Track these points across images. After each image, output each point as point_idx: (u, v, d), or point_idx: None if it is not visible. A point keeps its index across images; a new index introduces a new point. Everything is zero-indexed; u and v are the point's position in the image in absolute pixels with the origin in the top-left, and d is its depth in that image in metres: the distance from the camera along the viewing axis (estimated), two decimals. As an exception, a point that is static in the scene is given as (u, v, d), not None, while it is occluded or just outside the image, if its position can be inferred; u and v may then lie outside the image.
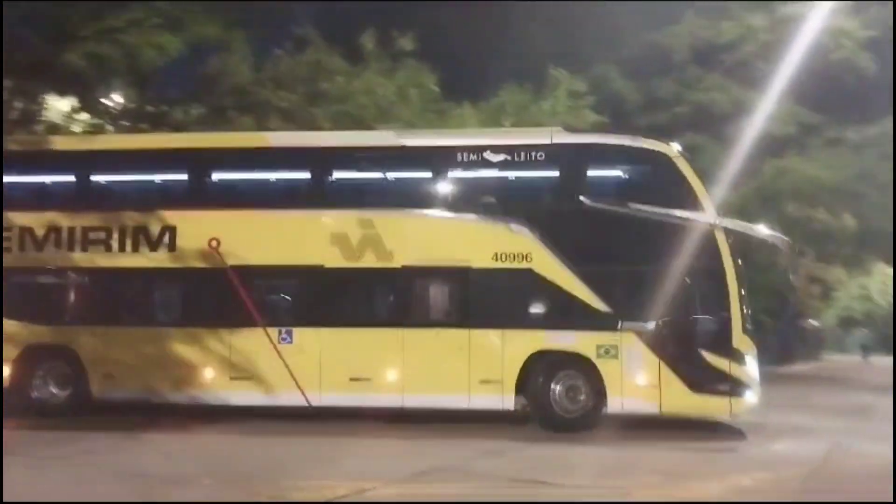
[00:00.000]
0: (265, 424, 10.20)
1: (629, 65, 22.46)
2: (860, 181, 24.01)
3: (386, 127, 15.87)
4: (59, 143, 12.48)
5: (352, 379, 10.43)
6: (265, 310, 10.92)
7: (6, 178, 11.28)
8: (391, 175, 11.74)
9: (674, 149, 11.12)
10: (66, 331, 11.12)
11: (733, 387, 10.08)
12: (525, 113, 17.64)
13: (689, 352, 10.30)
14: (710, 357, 10.19)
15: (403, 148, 11.33)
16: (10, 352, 10.89)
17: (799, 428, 11.39)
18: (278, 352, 10.60)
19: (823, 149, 23.72)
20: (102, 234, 11.16)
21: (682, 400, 10.13)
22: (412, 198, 11.17)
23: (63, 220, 11.22)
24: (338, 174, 11.58)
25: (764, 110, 22.38)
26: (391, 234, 10.73)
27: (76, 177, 11.78)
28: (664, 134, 22.69)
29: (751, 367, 10.21)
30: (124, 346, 10.89)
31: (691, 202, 10.50)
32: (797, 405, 13.90)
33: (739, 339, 10.19)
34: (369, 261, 10.68)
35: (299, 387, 10.52)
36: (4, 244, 11.13)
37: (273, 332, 10.66)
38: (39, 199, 11.95)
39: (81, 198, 11.53)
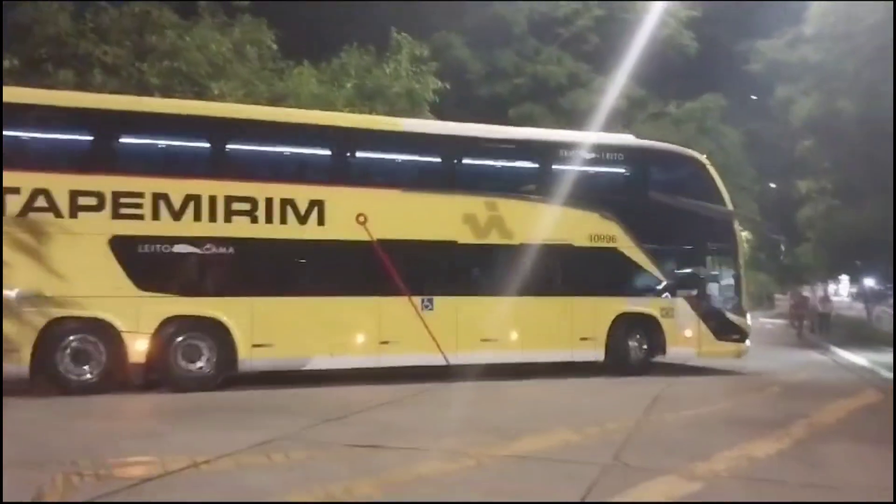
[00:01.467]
0: (95, 403, 9.51)
1: (472, 34, 22.71)
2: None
3: (224, 84, 15.20)
4: (198, 108, 12.32)
5: (482, 340, 11.97)
6: (409, 280, 11.76)
7: (137, 139, 11.13)
8: (512, 164, 13.42)
9: (703, 157, 14.41)
10: (214, 302, 10.85)
11: (742, 336, 13.79)
12: (368, 76, 17.39)
13: (716, 312, 13.72)
14: (729, 315, 13.77)
15: (521, 142, 13.44)
16: (144, 325, 10.32)
17: (626, 383, 12.18)
18: (421, 318, 11.70)
19: (647, 122, 25.25)
20: (248, 205, 10.99)
21: (711, 347, 13.50)
22: (527, 186, 13.00)
23: (203, 188, 10.75)
24: (468, 161, 12.88)
25: (596, 83, 23.51)
26: (512, 216, 12.33)
27: (218, 144, 11.34)
28: (505, 104, 23.55)
29: (749, 322, 14.10)
30: (277, 316, 11.02)
31: (717, 197, 13.80)
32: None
33: (745, 302, 14.11)
34: (494, 238, 12.25)
35: (440, 348, 11.72)
36: (133, 210, 10.43)
37: (417, 300, 11.71)
38: (175, 164, 11.38)
39: (222, 166, 11.19)
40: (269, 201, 11.08)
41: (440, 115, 18.99)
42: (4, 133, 9.76)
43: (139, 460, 6.27)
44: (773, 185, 37.76)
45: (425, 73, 17.53)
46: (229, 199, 10.88)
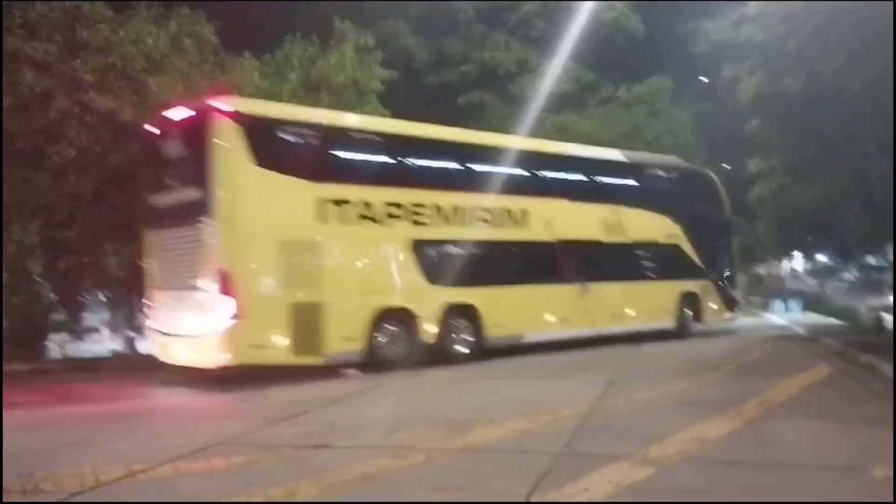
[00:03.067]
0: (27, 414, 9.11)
1: (417, 22, 22.43)
2: (632, 137, 25.90)
3: (162, 79, 14.66)
4: (474, 138, 15.79)
5: (613, 315, 15.87)
6: (575, 270, 15.27)
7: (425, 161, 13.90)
8: (625, 181, 17.48)
9: (713, 175, 20.44)
10: (470, 291, 13.54)
11: (737, 305, 20.25)
12: (312, 67, 16.99)
13: (725, 289, 19.21)
14: (731, 291, 19.59)
15: (627, 164, 17.82)
16: (433, 311, 12.98)
17: (580, 369, 12.12)
18: (582, 299, 15.23)
19: (598, 106, 25.29)
20: (489, 214, 14.15)
21: (723, 315, 19.18)
22: (632, 197, 17.12)
23: (463, 200, 13.85)
24: (604, 179, 17.01)
25: (544, 68, 23.42)
26: (625, 220, 16.54)
27: (482, 166, 14.53)
28: (454, 92, 23.38)
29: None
30: (505, 301, 13.98)
31: (723, 204, 19.71)
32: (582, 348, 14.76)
33: (736, 281, 21.02)
34: (618, 237, 16.34)
35: (593, 323, 15.28)
36: (422, 218, 13.21)
37: (579, 286, 15.27)
38: (449, 180, 14.18)
39: (478, 183, 14.09)
40: (504, 211, 14.44)
41: (389, 105, 18.74)
42: (340, 153, 12.77)
43: (70, 472, 5.93)
44: (725, 166, 38.21)
45: (371, 62, 17.20)
46: (477, 209, 13.98)
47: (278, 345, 11.03)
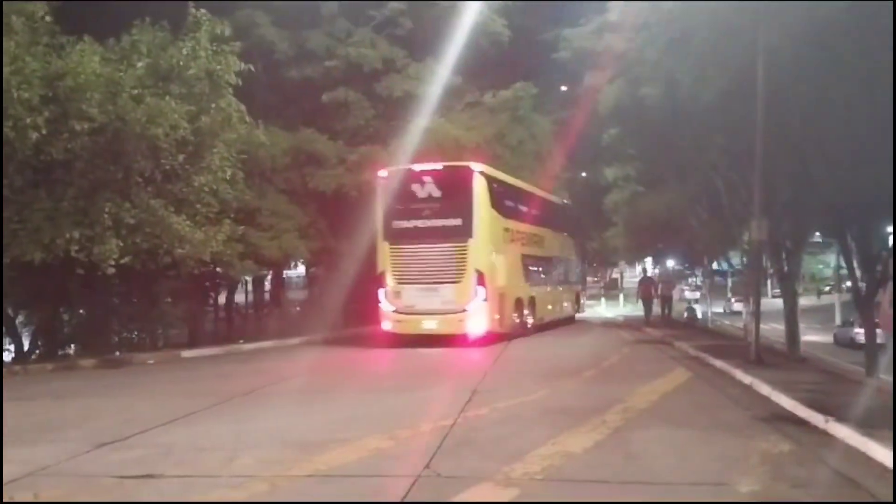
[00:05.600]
0: None
1: (278, 12, 21.37)
2: (496, 142, 25.96)
3: None
4: None
5: (561, 306, 24.18)
6: (551, 276, 23.06)
7: None
8: (555, 213, 24.32)
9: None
10: (532, 289, 20.41)
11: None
12: (162, 55, 15.68)
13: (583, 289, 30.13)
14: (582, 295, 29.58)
15: (553, 200, 24.51)
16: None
17: (445, 377, 11.70)
18: (557, 295, 23.69)
19: (465, 111, 25.15)
20: (535, 238, 21.29)
21: (582, 307, 29.31)
22: (555, 224, 24.07)
23: (530, 229, 20.73)
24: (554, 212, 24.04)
25: (411, 69, 23.00)
26: (556, 241, 23.75)
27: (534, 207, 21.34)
28: (317, 88, 22.50)
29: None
30: (540, 295, 21.43)
31: (582, 228, 29.75)
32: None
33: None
34: (556, 252, 23.74)
35: (557, 313, 23.70)
36: (524, 241, 19.44)
37: (556, 286, 23.81)
38: (529, 217, 20.81)
39: (533, 217, 21.01)
40: (539, 236, 21.55)
41: (248, 98, 17.68)
42: (514, 202, 19.38)
43: None
44: (583, 174, 39.39)
45: (227, 52, 16.09)
46: (534, 235, 21.05)
47: (499, 320, 17.21)
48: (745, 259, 24.73)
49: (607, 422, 7.75)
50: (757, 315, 13.76)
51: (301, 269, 34.52)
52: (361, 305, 23.96)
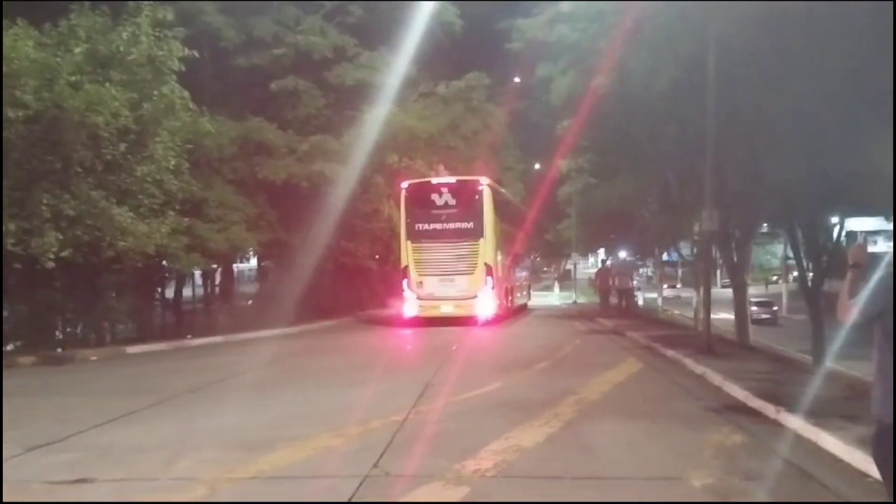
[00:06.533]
0: None
1: (224, -2, 20.79)
2: (450, 133, 25.80)
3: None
4: None
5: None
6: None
7: None
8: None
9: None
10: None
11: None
12: (101, 40, 15.09)
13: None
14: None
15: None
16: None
17: (399, 369, 11.51)
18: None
19: (419, 101, 24.91)
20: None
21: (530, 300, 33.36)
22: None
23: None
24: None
25: (363, 58, 22.67)
26: None
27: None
28: (266, 77, 22.02)
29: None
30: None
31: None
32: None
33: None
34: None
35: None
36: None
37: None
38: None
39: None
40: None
41: (194, 86, 17.17)
42: (504, 210, 22.53)
43: None
44: (537, 166, 39.51)
45: (170, 38, 15.56)
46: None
47: (499, 305, 20.91)
48: (695, 249, 25.05)
49: (560, 414, 7.65)
50: (707, 304, 13.86)
51: (255, 262, 33.93)
52: (317, 299, 23.69)
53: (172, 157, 15.78)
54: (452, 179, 21.33)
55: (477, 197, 20.14)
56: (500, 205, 21.68)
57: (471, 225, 19.99)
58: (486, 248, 19.98)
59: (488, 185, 20.65)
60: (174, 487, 5.36)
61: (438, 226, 20.09)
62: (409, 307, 20.41)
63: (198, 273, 24.06)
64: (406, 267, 20.39)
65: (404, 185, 20.65)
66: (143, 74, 15.22)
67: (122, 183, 15.16)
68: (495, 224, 20.55)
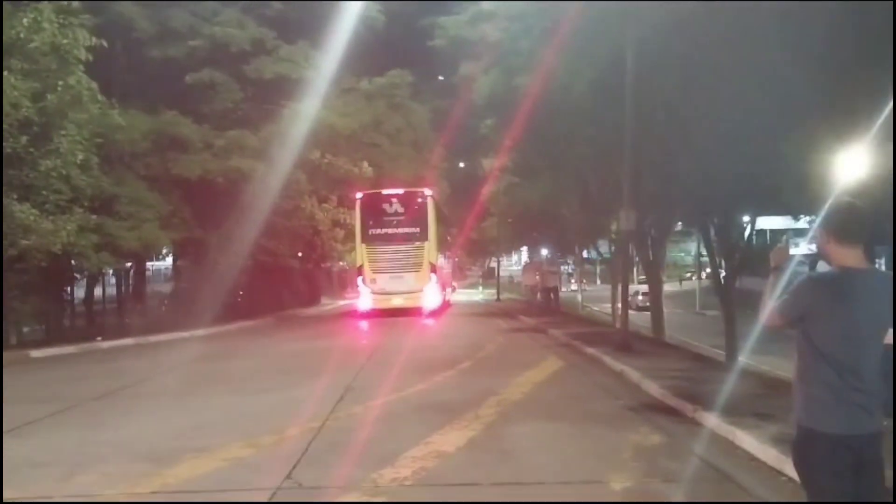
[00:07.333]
0: None
1: (138, -13, 19.98)
2: (373, 130, 25.54)
3: None
4: None
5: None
6: None
7: None
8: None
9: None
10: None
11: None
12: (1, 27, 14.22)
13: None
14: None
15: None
16: None
17: (321, 371, 11.24)
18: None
19: (340, 97, 24.54)
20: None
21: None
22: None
23: None
24: None
25: (282, 51, 22.17)
26: None
27: None
28: (181, 69, 21.25)
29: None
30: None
31: None
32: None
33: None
34: None
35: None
36: None
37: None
38: None
39: None
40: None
41: (104, 78, 16.43)
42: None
43: None
44: (461, 165, 39.61)
45: (75, 26, 14.80)
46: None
47: (439, 298, 24.42)
48: (613, 248, 25.55)
49: (481, 416, 7.58)
50: (625, 302, 14.08)
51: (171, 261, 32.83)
52: (236, 298, 23.09)
53: (80, 151, 15.03)
54: (401, 190, 24.04)
55: (422, 205, 23.07)
56: (439, 212, 24.96)
57: (417, 230, 22.81)
58: (430, 249, 22.92)
59: (431, 195, 23.68)
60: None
61: (389, 230, 22.85)
62: (365, 301, 23.15)
63: (111, 272, 23.13)
64: (361, 266, 23.23)
65: (359, 195, 23.41)
66: (46, 63, 14.45)
67: (24, 178, 14.36)
68: (438, 229, 23.65)
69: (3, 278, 13.73)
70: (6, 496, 5.34)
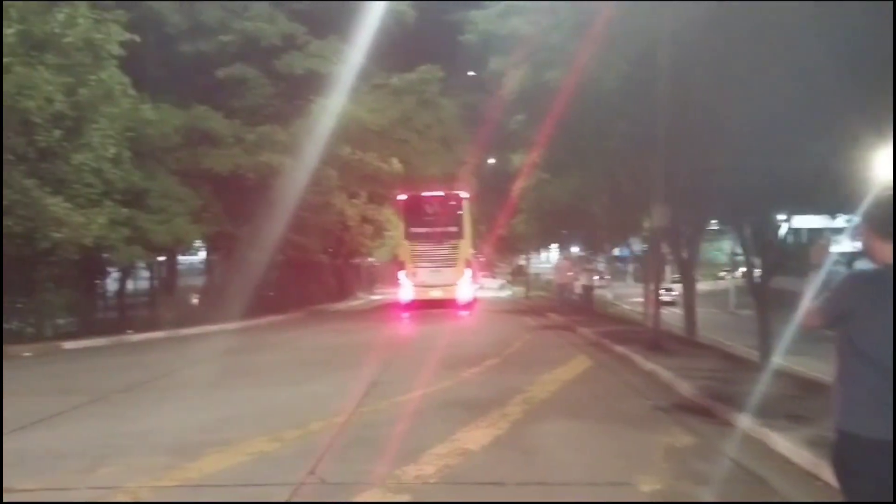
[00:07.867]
0: None
1: (170, -17, 20.10)
2: (402, 125, 25.44)
3: None
4: None
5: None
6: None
7: None
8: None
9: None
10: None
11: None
12: (36, 21, 14.38)
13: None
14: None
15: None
16: None
17: (347, 365, 11.22)
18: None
19: (370, 92, 24.48)
20: None
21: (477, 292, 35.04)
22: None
23: None
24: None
25: (313, 47, 22.17)
26: None
27: None
28: (211, 64, 21.39)
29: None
30: None
31: None
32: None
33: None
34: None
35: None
36: None
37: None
38: None
39: None
40: None
41: (137, 73, 16.57)
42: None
43: None
44: (491, 161, 39.38)
45: (109, 21, 14.93)
46: None
47: (473, 291, 27.34)
48: (645, 245, 25.19)
49: (508, 415, 7.47)
50: (657, 300, 13.84)
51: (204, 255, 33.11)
52: (266, 293, 23.20)
53: (112, 145, 15.15)
54: (440, 192, 26.49)
55: (459, 206, 25.86)
56: (473, 212, 28.27)
57: (455, 228, 25.48)
58: (465, 246, 25.77)
59: (467, 197, 26.52)
60: (92, 497, 5.00)
61: (429, 229, 25.39)
62: (406, 292, 25.48)
63: (144, 266, 23.35)
64: (403, 261, 25.71)
65: (401, 196, 26.24)
66: (80, 58, 14.57)
67: (57, 171, 14.52)
68: (472, 228, 26.64)
69: (18, 273, 13.94)
70: (28, 485, 5.37)
